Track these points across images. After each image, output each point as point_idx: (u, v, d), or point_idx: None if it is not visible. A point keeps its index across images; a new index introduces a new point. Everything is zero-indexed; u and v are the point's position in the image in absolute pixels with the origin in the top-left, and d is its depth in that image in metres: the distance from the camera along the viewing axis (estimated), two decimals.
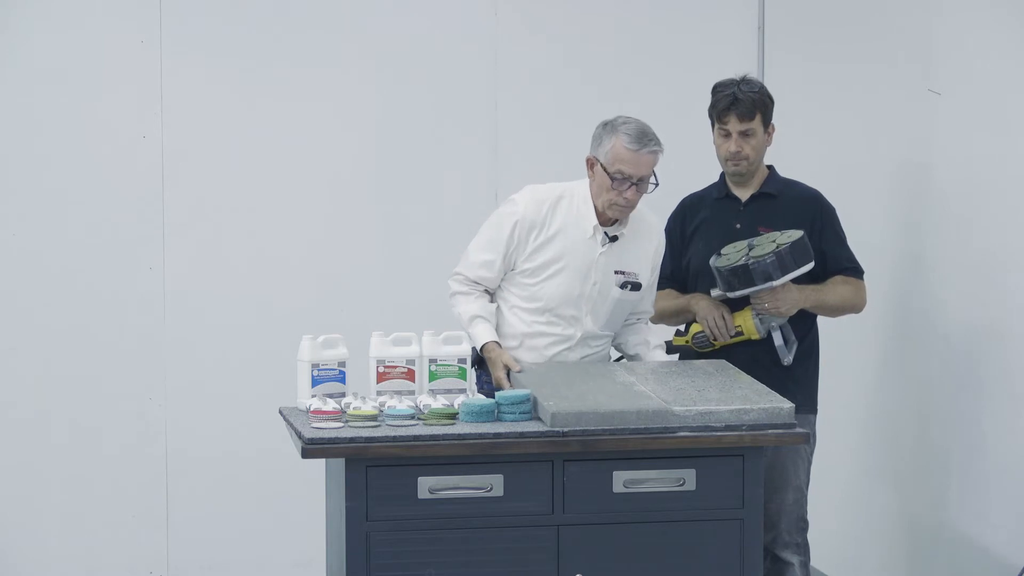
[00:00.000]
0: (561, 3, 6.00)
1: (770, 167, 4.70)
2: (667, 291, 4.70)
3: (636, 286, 4.42)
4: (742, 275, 4.43)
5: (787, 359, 4.54)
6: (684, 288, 4.72)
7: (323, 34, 5.80)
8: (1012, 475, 4.51)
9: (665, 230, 4.72)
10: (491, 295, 4.47)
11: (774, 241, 4.45)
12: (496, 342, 4.36)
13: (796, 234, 4.45)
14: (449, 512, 3.88)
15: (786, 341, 4.55)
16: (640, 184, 4.30)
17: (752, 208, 4.65)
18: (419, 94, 5.87)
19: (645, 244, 4.46)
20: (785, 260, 4.40)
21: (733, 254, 4.50)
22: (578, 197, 4.40)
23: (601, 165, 4.32)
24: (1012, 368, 4.52)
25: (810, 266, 4.47)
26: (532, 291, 4.40)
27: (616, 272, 4.40)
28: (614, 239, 4.38)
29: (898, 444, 5.17)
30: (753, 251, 4.45)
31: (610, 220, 4.40)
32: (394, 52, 5.84)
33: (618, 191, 4.29)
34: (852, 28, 5.51)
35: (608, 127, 4.33)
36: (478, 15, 5.91)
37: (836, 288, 4.60)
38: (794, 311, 4.53)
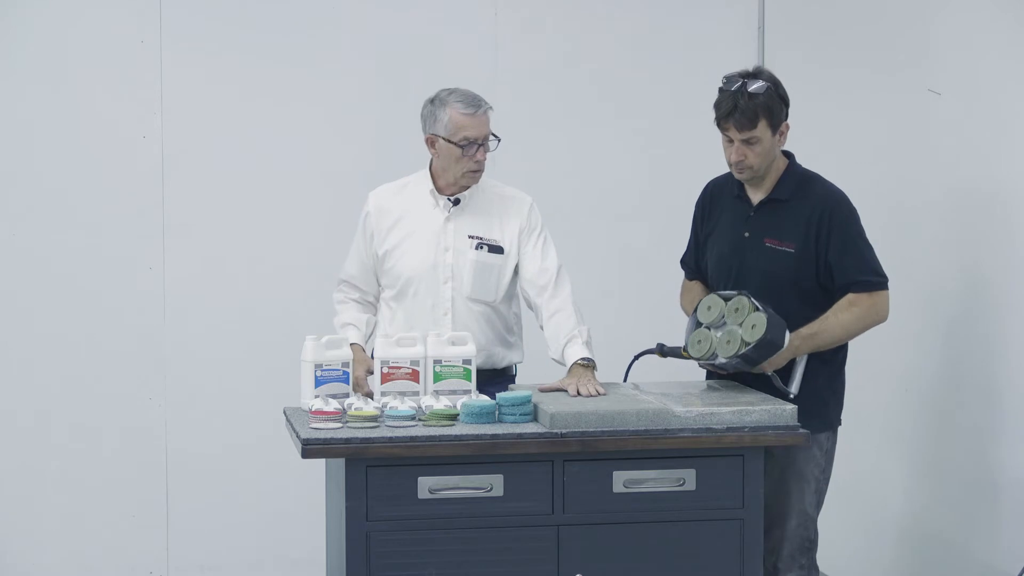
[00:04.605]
0: (561, 3, 6.00)
1: (789, 156, 4.49)
2: (694, 283, 4.63)
3: (495, 248, 4.50)
4: (715, 366, 4.36)
5: (790, 394, 4.32)
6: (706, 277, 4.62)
7: (323, 34, 5.80)
8: (1016, 480, 4.50)
9: (694, 215, 4.64)
10: (372, 304, 4.63)
11: (741, 328, 4.26)
12: (360, 346, 4.49)
13: (761, 327, 4.22)
14: (449, 512, 3.87)
15: (786, 381, 4.36)
16: (485, 144, 4.44)
17: (760, 216, 4.45)
18: (419, 94, 5.84)
19: (510, 218, 4.53)
20: (751, 358, 4.25)
21: (703, 334, 4.36)
22: (422, 182, 4.56)
23: (443, 139, 4.44)
24: (1017, 372, 4.52)
25: (782, 350, 4.28)
26: (394, 273, 4.53)
27: (470, 237, 4.50)
28: (456, 202, 4.50)
29: (902, 447, 5.17)
30: (720, 336, 4.30)
31: (458, 192, 4.51)
32: (394, 52, 5.84)
33: (469, 156, 4.43)
34: (852, 28, 5.51)
35: (436, 102, 4.49)
36: (478, 15, 5.91)
37: (838, 319, 4.34)
38: (785, 363, 4.34)
